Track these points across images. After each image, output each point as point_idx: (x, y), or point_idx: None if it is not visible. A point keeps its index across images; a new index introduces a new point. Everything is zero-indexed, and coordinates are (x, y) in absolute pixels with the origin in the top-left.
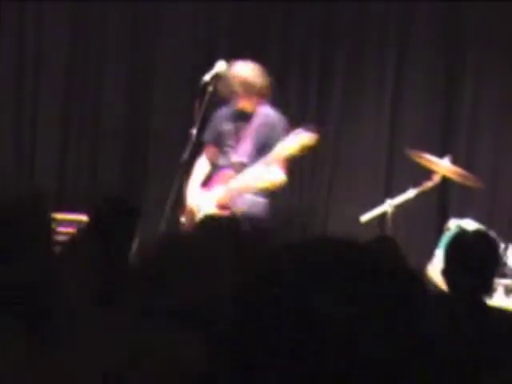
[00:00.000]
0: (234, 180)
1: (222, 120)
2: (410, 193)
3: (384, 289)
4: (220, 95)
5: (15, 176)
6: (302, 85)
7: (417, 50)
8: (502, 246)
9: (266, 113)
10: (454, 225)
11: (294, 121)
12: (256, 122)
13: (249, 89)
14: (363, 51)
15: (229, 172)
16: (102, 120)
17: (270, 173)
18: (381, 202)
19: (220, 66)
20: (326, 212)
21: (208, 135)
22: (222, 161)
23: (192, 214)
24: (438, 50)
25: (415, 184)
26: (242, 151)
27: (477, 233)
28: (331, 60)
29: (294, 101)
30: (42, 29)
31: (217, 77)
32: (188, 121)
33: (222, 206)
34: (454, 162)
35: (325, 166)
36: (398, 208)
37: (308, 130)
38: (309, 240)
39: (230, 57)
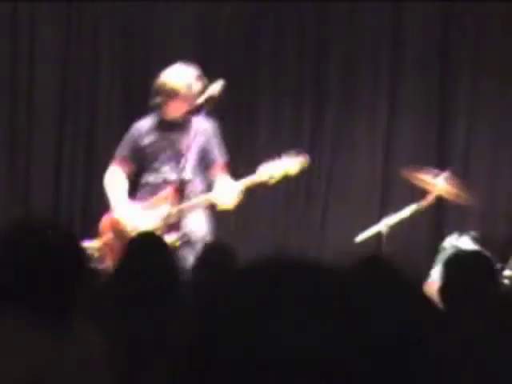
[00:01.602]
0: (185, 199)
1: (141, 134)
2: (405, 212)
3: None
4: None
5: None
6: (296, 106)
7: (410, 65)
8: (498, 265)
9: (200, 124)
10: (449, 244)
11: (288, 144)
12: (191, 134)
13: (180, 95)
14: (356, 69)
15: (172, 190)
16: (97, 136)
17: (224, 196)
18: (376, 222)
19: (215, 87)
20: (321, 234)
21: (124, 150)
22: (151, 177)
23: (122, 230)
24: (430, 64)
25: (410, 203)
26: (182, 166)
27: (474, 252)
28: (325, 80)
29: (286, 124)
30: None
31: (210, 98)
32: None
33: (170, 227)
34: (452, 176)
35: (320, 188)
36: (394, 227)
37: (297, 154)
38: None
39: (223, 74)
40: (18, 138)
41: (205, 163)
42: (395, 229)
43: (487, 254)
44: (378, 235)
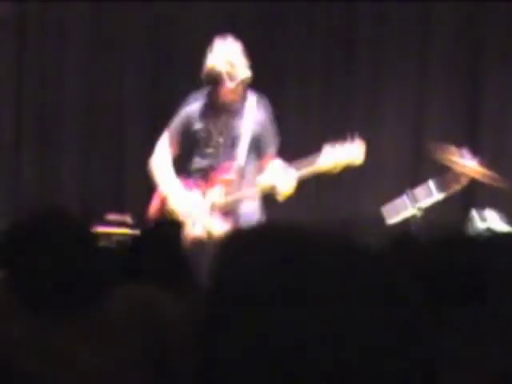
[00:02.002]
0: (239, 187)
1: (193, 118)
2: (438, 195)
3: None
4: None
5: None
6: (325, 85)
7: (441, 40)
8: None
9: (254, 107)
10: (476, 215)
11: (316, 121)
12: (246, 119)
13: (234, 75)
14: (385, 45)
15: (229, 175)
16: (124, 135)
17: (282, 182)
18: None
19: None
20: (349, 210)
21: (174, 129)
22: (203, 163)
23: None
24: (460, 48)
25: (442, 186)
26: (239, 153)
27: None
28: (353, 55)
29: (316, 103)
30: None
31: None
32: None
33: (225, 214)
34: (481, 161)
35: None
36: (426, 211)
37: (354, 140)
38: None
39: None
40: (46, 135)
41: (258, 150)
42: (425, 213)
43: None
44: (410, 218)
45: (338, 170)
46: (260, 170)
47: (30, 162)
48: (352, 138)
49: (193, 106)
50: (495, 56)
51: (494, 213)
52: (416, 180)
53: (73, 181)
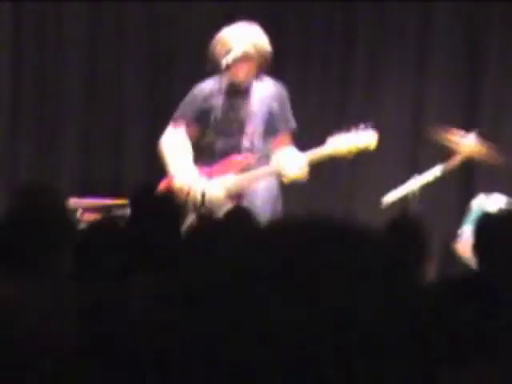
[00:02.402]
0: (253, 169)
1: (206, 96)
2: (433, 173)
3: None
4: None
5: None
6: (324, 69)
7: (440, 25)
8: None
9: (269, 89)
10: (477, 205)
11: (316, 106)
12: (260, 100)
13: (256, 55)
14: (384, 31)
15: (243, 158)
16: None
17: (292, 166)
18: (405, 182)
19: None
20: (350, 195)
21: (188, 111)
22: (215, 143)
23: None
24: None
25: (439, 163)
26: (250, 133)
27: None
28: (352, 41)
29: (315, 88)
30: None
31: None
32: None
33: (236, 196)
34: (480, 136)
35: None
36: (421, 189)
37: (368, 128)
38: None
39: None
40: (45, 130)
41: (271, 131)
42: (423, 190)
43: None
44: (405, 197)
45: (351, 155)
46: (274, 148)
47: (27, 162)
48: (366, 126)
49: (204, 86)
50: (494, 41)
51: (502, 196)
52: (416, 166)
53: (72, 181)
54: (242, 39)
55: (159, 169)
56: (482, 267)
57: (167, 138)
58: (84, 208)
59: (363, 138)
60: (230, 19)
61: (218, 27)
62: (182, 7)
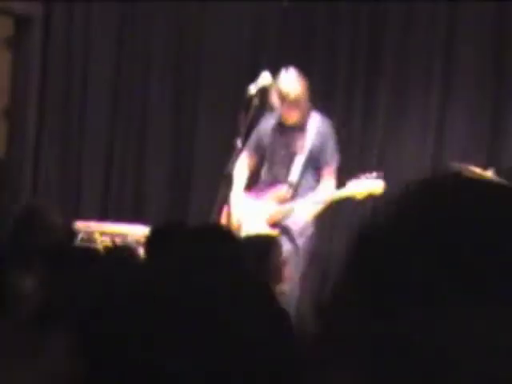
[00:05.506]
0: (291, 201)
1: (266, 132)
2: None
3: None
4: (267, 107)
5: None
6: (348, 95)
7: (464, 57)
8: None
9: (316, 125)
10: None
11: (339, 134)
12: (307, 135)
13: (294, 101)
14: (409, 60)
15: (283, 190)
16: (148, 132)
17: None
18: None
19: (265, 77)
20: None
21: (251, 144)
22: (267, 175)
23: (233, 223)
24: (485, 56)
25: None
26: (294, 168)
27: None
28: (377, 70)
29: (338, 113)
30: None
31: (262, 89)
32: (232, 133)
33: (273, 224)
34: (498, 173)
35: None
36: None
37: (377, 176)
38: None
39: (275, 67)
40: (69, 138)
41: (316, 164)
42: None
43: None
44: None
45: (361, 197)
46: (318, 181)
47: (51, 167)
48: (371, 172)
49: (263, 125)
50: None
51: None
52: None
53: (94, 190)
54: (291, 88)
55: (180, 190)
56: None
57: (235, 171)
58: (100, 232)
59: (374, 185)
60: (255, 33)
61: (243, 32)
62: (208, 18)
